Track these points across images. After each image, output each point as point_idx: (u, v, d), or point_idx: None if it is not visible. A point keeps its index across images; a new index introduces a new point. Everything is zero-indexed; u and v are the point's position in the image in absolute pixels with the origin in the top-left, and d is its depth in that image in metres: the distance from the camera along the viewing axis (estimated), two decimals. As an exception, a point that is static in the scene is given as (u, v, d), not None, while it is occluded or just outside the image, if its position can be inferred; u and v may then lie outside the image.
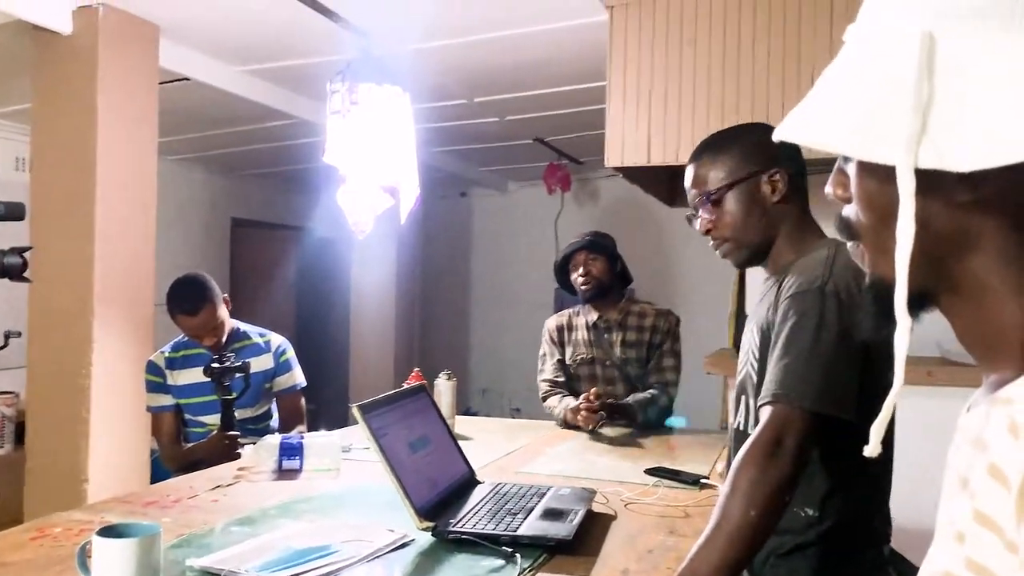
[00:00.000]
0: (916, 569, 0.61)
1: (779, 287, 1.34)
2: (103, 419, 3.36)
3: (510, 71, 4.17)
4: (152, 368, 2.59)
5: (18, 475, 3.53)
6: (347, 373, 6.97)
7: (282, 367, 2.66)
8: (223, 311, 2.52)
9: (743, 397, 1.42)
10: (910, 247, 0.51)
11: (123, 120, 3.36)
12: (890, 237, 0.56)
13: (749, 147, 1.41)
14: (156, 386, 2.57)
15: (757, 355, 1.37)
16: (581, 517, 1.39)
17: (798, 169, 1.41)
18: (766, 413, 1.21)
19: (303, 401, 2.72)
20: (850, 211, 0.61)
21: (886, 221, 0.56)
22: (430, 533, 1.32)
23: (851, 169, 0.59)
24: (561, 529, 1.31)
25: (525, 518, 1.37)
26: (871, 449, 0.59)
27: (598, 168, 7.19)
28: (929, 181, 0.50)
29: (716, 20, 3.21)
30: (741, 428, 1.42)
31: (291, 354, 2.70)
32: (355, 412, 1.33)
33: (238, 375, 2.35)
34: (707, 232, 1.45)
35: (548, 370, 2.78)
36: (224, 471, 1.91)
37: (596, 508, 1.53)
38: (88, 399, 3.38)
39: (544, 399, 2.73)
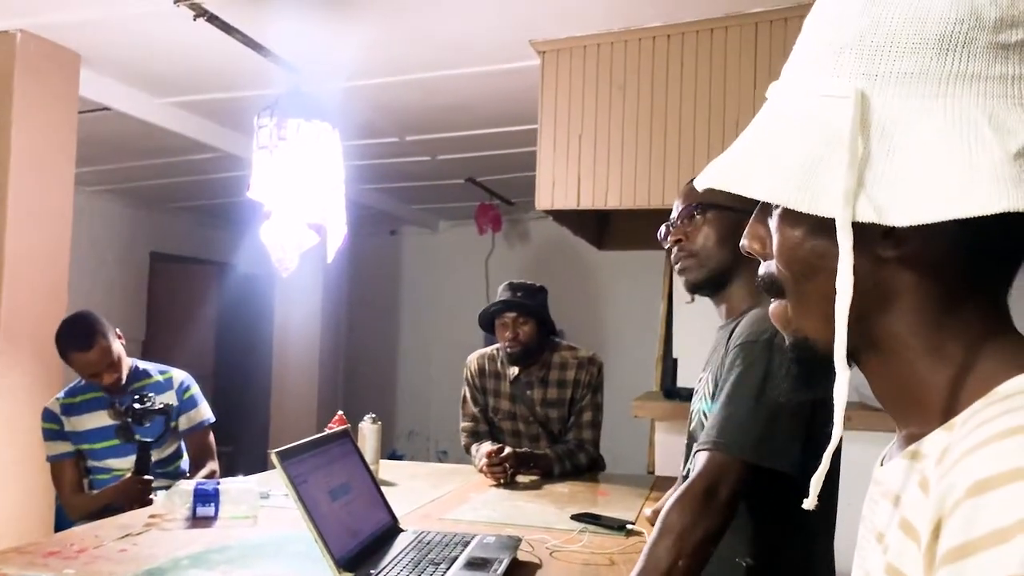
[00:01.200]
0: None
1: (730, 335, 1.34)
2: (4, 463, 3.19)
3: (442, 111, 4.19)
4: (47, 415, 2.45)
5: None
6: (268, 414, 6.79)
7: (187, 404, 2.55)
8: (117, 345, 2.41)
9: (695, 445, 1.41)
10: (849, 299, 0.52)
11: (39, 148, 3.26)
12: (814, 292, 0.57)
13: None
14: (53, 434, 2.43)
15: (710, 403, 1.37)
16: (505, 567, 1.35)
17: None
18: (702, 459, 1.21)
19: (212, 437, 2.62)
20: (770, 268, 0.61)
21: (810, 276, 0.57)
22: (350, 585, 1.27)
23: (773, 224, 0.60)
24: (486, 580, 1.28)
25: (448, 568, 1.33)
26: (810, 502, 0.60)
27: (529, 209, 7.21)
28: (857, 236, 0.51)
29: (644, 67, 3.29)
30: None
31: (195, 389, 2.61)
32: (273, 459, 1.28)
33: (159, 417, 2.25)
34: (677, 242, 1.44)
35: (467, 420, 2.74)
36: (134, 518, 1.81)
37: (521, 556, 1.50)
38: (-11, 441, 3.21)
39: (466, 449, 2.70)
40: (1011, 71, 0.50)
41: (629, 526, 1.75)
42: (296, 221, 2.96)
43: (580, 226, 4.32)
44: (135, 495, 2.16)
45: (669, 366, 5.14)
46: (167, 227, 6.74)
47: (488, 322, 2.71)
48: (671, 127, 3.28)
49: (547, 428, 2.64)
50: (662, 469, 3.48)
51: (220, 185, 5.72)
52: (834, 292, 0.55)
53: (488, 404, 2.72)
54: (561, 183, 3.54)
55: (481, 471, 2.39)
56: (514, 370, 2.68)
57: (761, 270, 0.62)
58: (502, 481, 2.31)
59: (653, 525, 1.77)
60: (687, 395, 3.79)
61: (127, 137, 4.50)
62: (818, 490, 0.59)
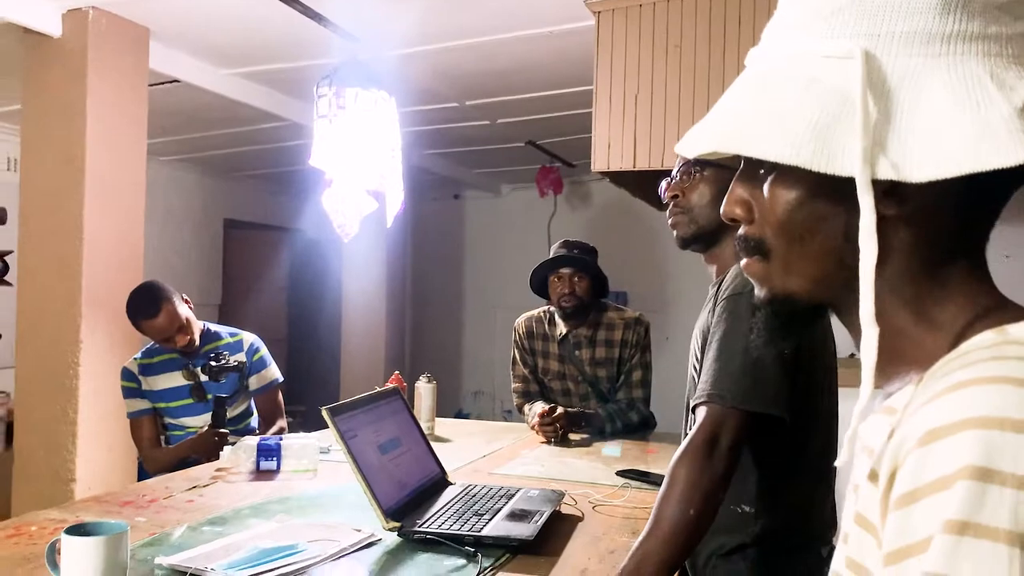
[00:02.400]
0: None
1: (717, 290, 1.38)
2: (90, 420, 3.38)
3: (500, 75, 4.20)
4: (126, 375, 2.59)
5: (8, 475, 3.56)
6: (338, 375, 6.97)
7: (256, 365, 2.66)
8: (185, 309, 2.51)
9: (692, 400, 1.44)
10: (874, 259, 0.53)
11: (112, 121, 3.38)
12: (806, 254, 0.58)
13: None
14: (131, 391, 2.57)
15: (700, 359, 1.39)
16: (545, 518, 1.41)
17: None
18: (701, 413, 1.25)
19: (280, 396, 2.74)
20: (757, 231, 0.62)
21: (806, 238, 0.58)
22: (396, 533, 1.35)
23: (765, 187, 0.61)
24: (524, 530, 1.34)
25: (491, 519, 1.39)
26: (841, 459, 0.61)
27: (590, 171, 7.21)
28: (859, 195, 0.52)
29: (701, 25, 3.25)
30: None
31: (264, 351, 2.72)
32: (324, 414, 1.35)
33: (233, 374, 2.38)
34: (673, 197, 1.47)
35: (518, 381, 2.79)
36: (201, 472, 1.93)
37: (564, 510, 1.55)
38: (75, 400, 3.40)
39: (519, 409, 2.77)
40: (1004, 31, 0.52)
41: (673, 482, 1.78)
42: (356, 188, 3.04)
43: (638, 187, 4.29)
44: (211, 447, 2.29)
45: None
46: (239, 195, 6.93)
47: (540, 280, 2.75)
48: (728, 86, 3.24)
49: (596, 388, 2.68)
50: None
51: (287, 153, 5.84)
52: (827, 252, 0.57)
53: (537, 365, 2.77)
54: (617, 144, 3.53)
55: (533, 428, 2.45)
56: (561, 330, 2.72)
57: (742, 231, 0.63)
58: (553, 439, 2.37)
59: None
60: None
61: (196, 108, 4.64)
62: (851, 448, 0.60)
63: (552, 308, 2.78)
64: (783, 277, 0.61)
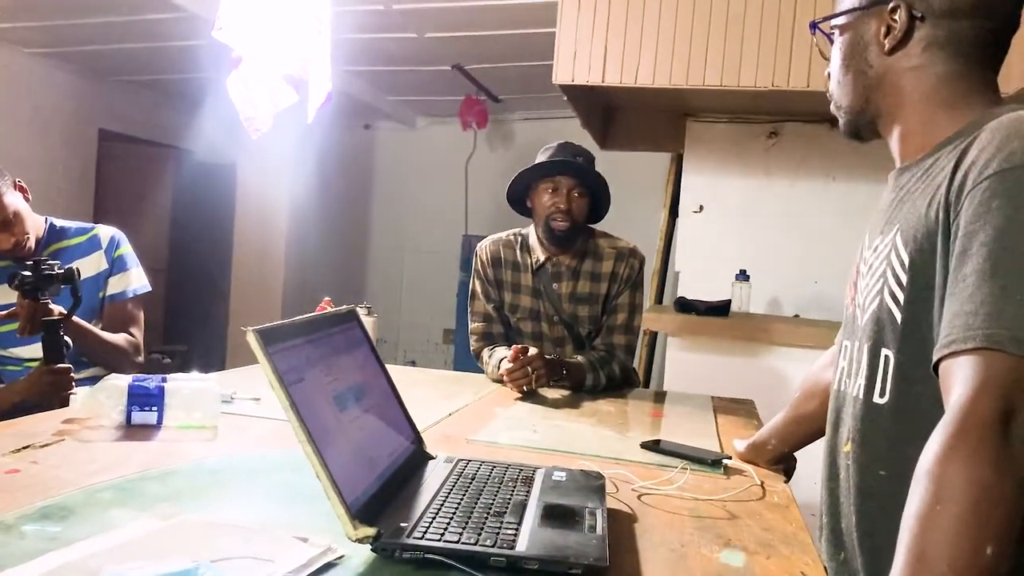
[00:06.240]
0: None
1: (956, 168, 0.85)
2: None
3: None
4: None
5: None
6: (226, 315, 6.29)
7: (117, 264, 2.05)
8: (17, 199, 1.87)
9: (880, 349, 0.94)
10: None
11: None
12: None
13: None
14: None
15: (905, 278, 0.90)
16: (604, 521, 0.89)
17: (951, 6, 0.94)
18: (968, 368, 0.73)
19: (140, 312, 2.10)
20: None
21: None
22: (370, 547, 0.80)
23: None
24: (588, 544, 0.81)
25: (518, 522, 0.87)
26: None
27: (516, 109, 6.70)
28: None
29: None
30: (869, 396, 0.95)
31: (127, 249, 2.10)
32: (251, 340, 0.78)
33: (63, 286, 1.70)
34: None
35: (478, 320, 2.22)
36: (40, 424, 1.31)
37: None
38: None
39: (476, 355, 2.22)
40: None
41: (726, 461, 1.30)
42: (271, 71, 2.41)
43: (589, 115, 3.80)
44: (50, 392, 1.64)
45: (665, 279, 4.77)
46: (120, 103, 6.07)
47: (522, 189, 2.17)
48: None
49: (574, 330, 2.15)
50: (673, 387, 3.06)
51: (178, 56, 5.07)
52: None
53: (504, 301, 2.21)
54: (584, 54, 3.00)
55: (500, 379, 1.94)
56: (538, 258, 2.17)
57: None
58: (524, 390, 1.84)
59: (750, 463, 1.33)
60: (703, 309, 3.36)
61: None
62: None
63: (524, 232, 2.23)
64: None
